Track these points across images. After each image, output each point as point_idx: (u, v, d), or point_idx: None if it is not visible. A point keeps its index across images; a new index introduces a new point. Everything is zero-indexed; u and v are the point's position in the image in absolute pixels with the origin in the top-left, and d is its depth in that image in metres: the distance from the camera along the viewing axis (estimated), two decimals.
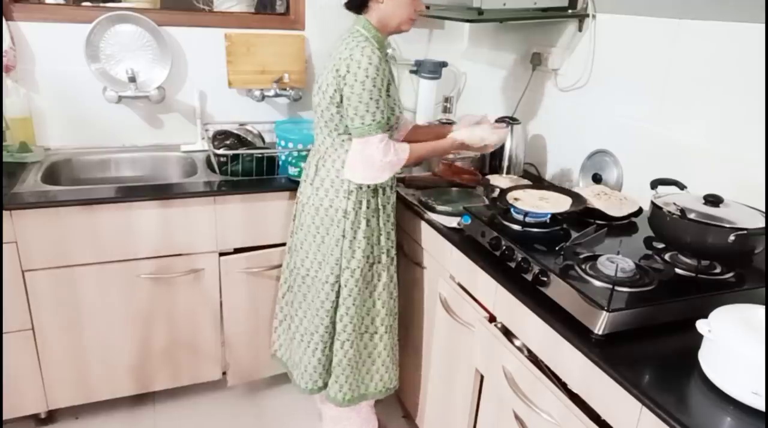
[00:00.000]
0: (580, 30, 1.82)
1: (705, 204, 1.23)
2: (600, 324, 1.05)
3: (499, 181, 1.76)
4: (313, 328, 1.66)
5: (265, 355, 2.06)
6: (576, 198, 1.50)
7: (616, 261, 1.18)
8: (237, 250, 1.91)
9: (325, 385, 1.70)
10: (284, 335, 1.83)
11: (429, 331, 1.71)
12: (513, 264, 1.31)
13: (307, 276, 1.65)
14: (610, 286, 1.10)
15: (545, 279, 1.20)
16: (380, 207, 1.60)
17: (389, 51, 2.36)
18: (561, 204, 1.46)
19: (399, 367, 1.77)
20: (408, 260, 1.80)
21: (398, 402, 2.08)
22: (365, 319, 1.65)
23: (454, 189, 1.83)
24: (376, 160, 1.47)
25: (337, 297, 1.61)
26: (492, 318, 1.38)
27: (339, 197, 1.55)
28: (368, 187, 1.55)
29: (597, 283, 1.14)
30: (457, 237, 1.51)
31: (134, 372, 1.93)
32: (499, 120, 1.92)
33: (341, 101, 1.45)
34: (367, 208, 1.57)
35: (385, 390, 1.74)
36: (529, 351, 1.25)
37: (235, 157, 1.87)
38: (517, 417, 1.24)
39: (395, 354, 1.73)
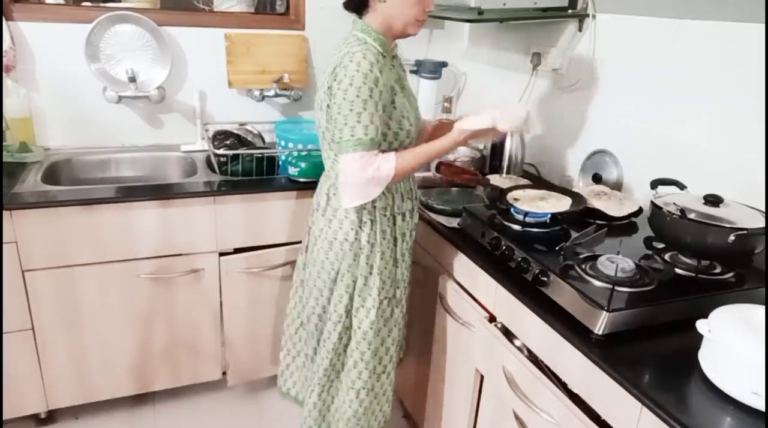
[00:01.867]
0: (580, 30, 1.82)
1: (705, 204, 1.23)
2: (600, 324, 1.05)
3: (499, 181, 1.76)
4: (314, 367, 1.55)
5: (265, 355, 2.07)
6: (576, 198, 1.50)
7: (616, 261, 1.18)
8: (237, 250, 1.91)
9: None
10: (298, 373, 1.72)
11: (429, 331, 1.71)
12: (513, 264, 1.31)
13: (323, 314, 1.51)
14: (610, 286, 1.10)
15: (545, 279, 1.20)
16: (398, 235, 1.44)
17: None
18: (561, 204, 1.46)
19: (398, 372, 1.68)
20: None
21: (398, 402, 2.08)
22: (379, 351, 1.50)
23: (454, 189, 1.83)
24: (356, 177, 1.28)
25: (340, 338, 1.47)
26: (492, 318, 1.38)
27: (353, 229, 1.38)
28: (385, 214, 1.40)
29: (597, 283, 1.14)
30: (457, 237, 1.51)
31: (134, 372, 1.93)
32: None
33: None
34: (383, 238, 1.41)
35: (385, 423, 1.63)
36: (529, 351, 1.25)
37: (235, 157, 1.87)
38: (517, 417, 1.24)
39: (392, 387, 1.59)
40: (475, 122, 1.34)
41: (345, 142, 1.25)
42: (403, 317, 1.55)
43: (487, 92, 2.36)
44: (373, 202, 1.37)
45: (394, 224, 1.43)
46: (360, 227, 1.38)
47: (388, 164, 1.29)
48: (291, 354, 1.72)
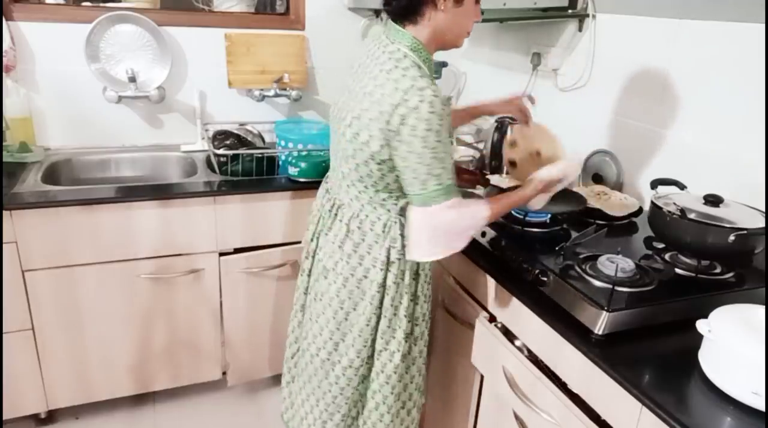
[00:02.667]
0: (580, 30, 1.82)
1: (705, 204, 1.23)
2: (600, 324, 1.05)
3: (499, 181, 1.76)
4: (326, 416, 1.40)
5: (265, 355, 2.07)
6: (576, 198, 1.50)
7: (616, 261, 1.18)
8: (237, 250, 1.91)
9: None
10: (290, 398, 1.60)
11: (429, 331, 1.70)
12: (513, 264, 1.31)
13: (316, 357, 1.37)
14: (610, 286, 1.10)
15: (545, 279, 1.20)
16: (420, 271, 1.33)
17: None
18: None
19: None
20: None
21: None
22: (402, 396, 1.39)
23: None
24: (449, 229, 1.15)
25: (361, 381, 1.36)
26: (492, 318, 1.38)
27: (377, 267, 1.25)
28: (401, 254, 1.26)
29: (597, 283, 1.14)
30: None
31: (134, 372, 1.93)
32: (500, 120, 1.92)
33: (389, 158, 1.14)
34: (410, 278, 1.29)
35: None
36: (529, 351, 1.25)
37: (235, 157, 1.87)
38: (517, 417, 1.24)
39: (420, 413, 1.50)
40: (554, 172, 1.27)
41: (431, 192, 1.11)
42: (421, 355, 1.42)
43: (487, 92, 2.36)
44: (403, 238, 1.25)
45: (417, 263, 1.31)
46: (388, 267, 1.26)
47: (481, 214, 1.17)
48: (286, 379, 1.59)
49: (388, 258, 1.25)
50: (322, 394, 1.40)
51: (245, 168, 1.90)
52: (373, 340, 1.33)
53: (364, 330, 1.30)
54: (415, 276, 1.32)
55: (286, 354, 1.59)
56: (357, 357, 1.33)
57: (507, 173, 1.85)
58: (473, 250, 1.43)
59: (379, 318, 1.30)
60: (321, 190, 1.43)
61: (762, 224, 1.16)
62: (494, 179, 1.77)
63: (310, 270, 1.42)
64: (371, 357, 1.35)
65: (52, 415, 1.98)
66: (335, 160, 1.30)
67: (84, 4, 2.05)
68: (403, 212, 1.25)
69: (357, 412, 1.43)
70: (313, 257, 1.40)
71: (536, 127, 1.46)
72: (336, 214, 1.31)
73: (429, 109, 1.06)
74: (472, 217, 1.17)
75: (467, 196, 1.29)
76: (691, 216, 1.19)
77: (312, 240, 1.40)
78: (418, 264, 1.31)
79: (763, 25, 1.29)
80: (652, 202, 1.29)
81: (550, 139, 1.44)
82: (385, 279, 1.27)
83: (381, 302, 1.29)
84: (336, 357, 1.35)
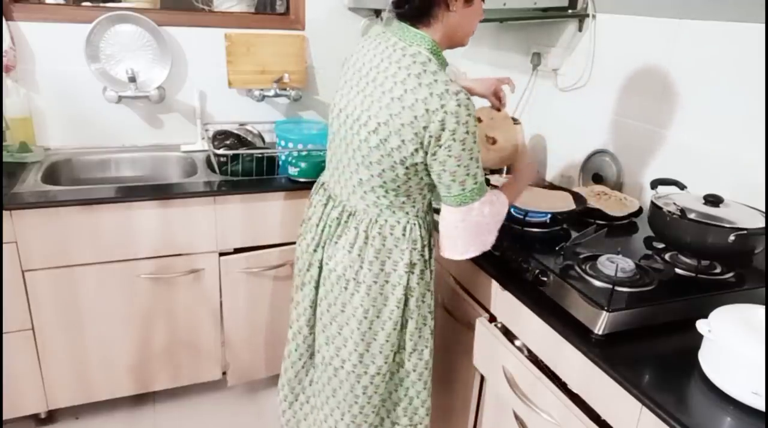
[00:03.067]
0: (580, 30, 1.82)
1: (705, 204, 1.23)
2: (600, 324, 1.05)
3: (499, 181, 1.76)
4: (353, 427, 1.38)
5: (265, 355, 2.07)
6: (576, 197, 1.50)
7: (616, 261, 1.18)
8: (237, 250, 1.91)
9: None
10: (295, 418, 1.57)
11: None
12: (513, 265, 1.31)
13: (341, 369, 1.33)
14: (610, 286, 1.10)
15: (545, 279, 1.20)
16: (432, 268, 1.34)
17: None
18: (561, 204, 1.46)
19: None
20: None
21: None
22: (428, 394, 1.42)
23: None
24: (487, 224, 1.18)
25: (396, 389, 1.38)
26: (492, 318, 1.38)
27: (398, 271, 1.25)
28: (421, 255, 1.28)
29: (597, 283, 1.14)
30: None
31: (134, 372, 1.93)
32: None
33: (422, 162, 1.14)
34: (430, 277, 1.32)
35: None
36: (529, 351, 1.25)
37: (235, 157, 1.87)
38: (517, 417, 1.24)
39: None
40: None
41: (469, 192, 1.14)
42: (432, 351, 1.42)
43: None
44: (422, 238, 1.27)
45: (430, 258, 1.32)
46: (411, 269, 1.26)
47: (503, 205, 1.22)
48: (288, 400, 1.55)
49: (410, 260, 1.25)
50: (348, 407, 1.36)
51: (245, 168, 1.90)
52: (403, 344, 1.33)
53: (392, 335, 1.29)
54: (431, 273, 1.33)
55: (287, 374, 1.52)
56: (385, 363, 1.32)
57: (507, 173, 1.86)
58: None
59: (405, 321, 1.31)
60: (317, 198, 1.39)
61: (762, 224, 1.16)
62: (494, 179, 1.77)
63: (317, 282, 1.37)
64: (402, 362, 1.36)
65: (52, 415, 1.98)
66: (345, 166, 1.25)
67: (84, 4, 2.05)
68: (420, 213, 1.26)
69: (383, 416, 1.43)
70: (319, 267, 1.36)
71: (503, 116, 1.51)
72: (347, 222, 1.28)
73: (466, 113, 1.07)
74: (502, 207, 1.22)
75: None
76: (691, 216, 1.19)
77: (316, 250, 1.35)
78: (430, 261, 1.32)
79: (763, 25, 1.29)
80: (652, 202, 1.29)
81: (511, 130, 1.48)
82: (408, 281, 1.26)
83: (406, 304, 1.29)
84: (361, 369, 1.32)
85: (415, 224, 1.26)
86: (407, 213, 1.25)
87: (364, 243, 1.25)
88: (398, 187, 1.19)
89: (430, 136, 1.08)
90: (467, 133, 1.08)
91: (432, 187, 1.23)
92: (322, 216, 1.34)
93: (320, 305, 1.37)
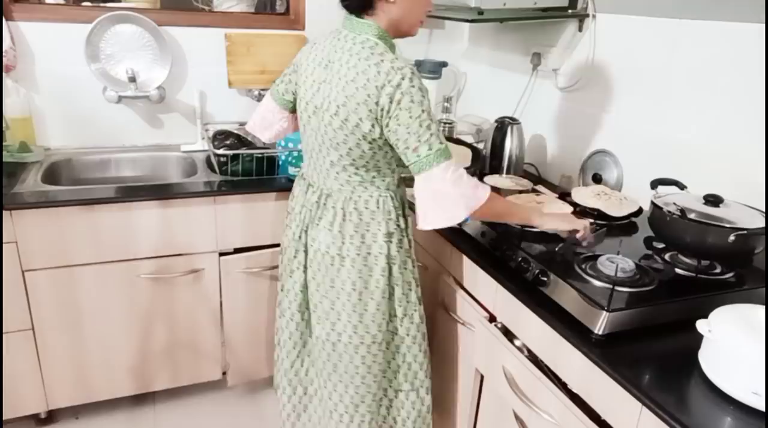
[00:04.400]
0: (580, 30, 1.82)
1: (705, 204, 1.23)
2: (600, 324, 1.06)
3: (499, 181, 1.76)
4: (357, 399, 1.42)
5: (265, 355, 2.06)
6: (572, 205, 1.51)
7: (616, 261, 1.18)
8: (237, 250, 1.91)
9: None
10: (295, 412, 1.59)
11: (429, 331, 1.70)
12: (513, 265, 1.31)
13: (339, 343, 1.39)
14: (610, 286, 1.10)
15: (545, 279, 1.20)
16: (411, 237, 1.41)
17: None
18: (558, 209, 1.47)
19: None
20: None
21: None
22: (425, 358, 1.48)
23: None
24: (447, 192, 1.21)
25: (387, 354, 1.42)
26: (492, 318, 1.38)
27: (378, 242, 1.32)
28: (397, 225, 1.34)
29: (597, 283, 1.14)
30: (458, 238, 1.51)
31: (134, 372, 1.93)
32: (499, 120, 1.93)
33: (380, 137, 1.23)
34: (410, 246, 1.39)
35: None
36: (529, 351, 1.25)
37: (235, 157, 1.87)
38: (517, 417, 1.24)
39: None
40: (561, 226, 1.32)
41: (425, 158, 1.19)
42: (422, 319, 1.48)
43: (487, 92, 2.37)
44: (396, 209, 1.34)
45: (407, 227, 1.40)
46: (390, 239, 1.33)
47: (484, 191, 1.24)
48: (287, 393, 1.57)
49: (387, 230, 1.33)
50: (350, 379, 1.42)
51: (245, 168, 1.90)
52: (393, 310, 1.39)
53: (382, 303, 1.36)
54: (409, 243, 1.40)
55: (283, 365, 1.55)
56: (379, 331, 1.38)
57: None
58: (473, 250, 1.44)
59: (392, 288, 1.37)
60: (298, 189, 1.46)
61: (762, 224, 1.17)
62: (495, 179, 1.78)
63: (304, 267, 1.43)
64: (396, 329, 1.41)
65: (52, 415, 1.97)
66: (317, 152, 1.34)
67: (84, 4, 2.05)
68: (391, 186, 1.35)
69: (386, 386, 1.47)
70: (305, 251, 1.42)
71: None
72: (325, 204, 1.35)
73: (410, 84, 1.17)
74: (471, 187, 1.23)
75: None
76: (691, 216, 1.19)
77: (301, 236, 1.42)
78: (407, 230, 1.39)
79: (763, 25, 1.29)
80: (652, 202, 1.29)
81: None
82: (389, 250, 1.34)
83: (390, 273, 1.35)
84: (357, 340, 1.38)
85: (387, 196, 1.34)
86: (378, 187, 1.33)
87: (343, 220, 1.33)
88: (367, 163, 1.28)
89: (381, 110, 1.19)
90: (412, 101, 1.17)
91: (400, 161, 1.29)
92: (304, 202, 1.41)
93: (310, 287, 1.43)
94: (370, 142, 1.24)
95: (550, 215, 1.36)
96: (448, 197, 1.21)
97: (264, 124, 1.58)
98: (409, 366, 1.45)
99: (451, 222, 1.23)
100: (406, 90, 1.17)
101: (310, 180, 1.40)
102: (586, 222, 1.32)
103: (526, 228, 1.41)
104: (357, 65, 1.21)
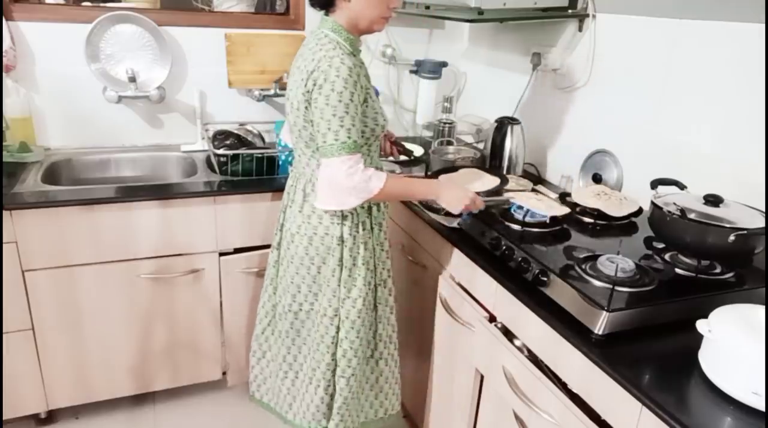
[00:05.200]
0: (580, 30, 1.82)
1: (705, 204, 1.23)
2: (600, 324, 1.05)
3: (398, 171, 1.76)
4: (314, 364, 1.51)
5: None
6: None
7: (616, 261, 1.18)
8: (237, 250, 1.91)
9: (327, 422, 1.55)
10: (263, 373, 1.70)
11: (429, 331, 1.71)
12: (513, 264, 1.31)
13: (300, 312, 1.50)
14: (610, 286, 1.10)
15: (545, 279, 1.20)
16: (374, 225, 1.48)
17: (389, 51, 2.36)
18: (557, 208, 1.47)
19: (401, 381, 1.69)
20: (408, 260, 1.80)
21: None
22: (369, 345, 1.54)
23: None
24: (340, 183, 1.28)
25: (338, 330, 1.47)
26: (492, 318, 1.38)
27: (334, 223, 1.40)
28: (362, 206, 1.40)
29: (597, 283, 1.14)
30: (457, 237, 1.51)
31: (134, 372, 1.93)
32: (499, 120, 1.93)
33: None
34: (364, 229, 1.44)
35: (388, 417, 1.66)
36: (529, 351, 1.25)
37: (235, 157, 1.87)
38: (517, 417, 1.24)
39: (398, 375, 1.64)
40: (452, 206, 1.39)
41: (329, 145, 1.27)
42: (394, 300, 1.57)
43: (487, 92, 2.36)
44: None
45: (371, 215, 1.46)
46: (342, 221, 1.40)
47: (378, 181, 1.31)
48: (256, 356, 1.69)
49: (341, 212, 1.39)
50: (311, 343, 1.52)
51: (245, 168, 1.90)
52: (338, 289, 1.44)
53: (332, 281, 1.43)
54: (371, 228, 1.46)
55: (255, 331, 1.66)
56: (329, 306, 1.45)
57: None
58: (473, 250, 1.43)
59: (342, 268, 1.43)
60: (289, 178, 1.55)
61: (762, 224, 1.16)
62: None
63: (278, 245, 1.55)
64: (338, 308, 1.46)
65: (52, 415, 1.97)
66: (294, 140, 1.45)
67: (84, 4, 2.06)
68: None
69: (334, 366, 1.51)
70: (281, 230, 1.54)
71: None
72: (296, 186, 1.47)
73: (335, 73, 1.24)
74: (364, 180, 1.30)
75: (379, 169, 1.41)
76: (691, 216, 1.19)
77: (279, 217, 1.54)
78: (371, 218, 1.46)
79: (763, 25, 1.29)
80: (652, 202, 1.29)
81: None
82: (341, 232, 1.41)
83: (342, 253, 1.42)
84: (317, 306, 1.49)
85: None
86: None
87: (303, 201, 1.43)
88: (317, 145, 1.32)
89: (308, 92, 1.28)
90: (332, 90, 1.24)
91: None
92: (288, 187, 1.53)
93: (281, 264, 1.53)
94: (312, 123, 1.32)
95: (446, 191, 1.40)
96: (341, 187, 1.29)
97: (288, 129, 1.63)
98: (344, 353, 1.48)
99: (343, 207, 1.33)
100: (328, 77, 1.24)
101: (294, 166, 1.51)
102: (473, 195, 1.39)
103: (527, 228, 1.41)
104: (304, 54, 1.33)
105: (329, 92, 1.24)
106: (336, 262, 1.42)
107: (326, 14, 1.36)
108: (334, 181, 1.30)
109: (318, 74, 1.25)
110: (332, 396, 1.53)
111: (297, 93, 1.32)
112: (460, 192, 1.40)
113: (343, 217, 1.40)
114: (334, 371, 1.51)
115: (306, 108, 1.31)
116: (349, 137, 1.27)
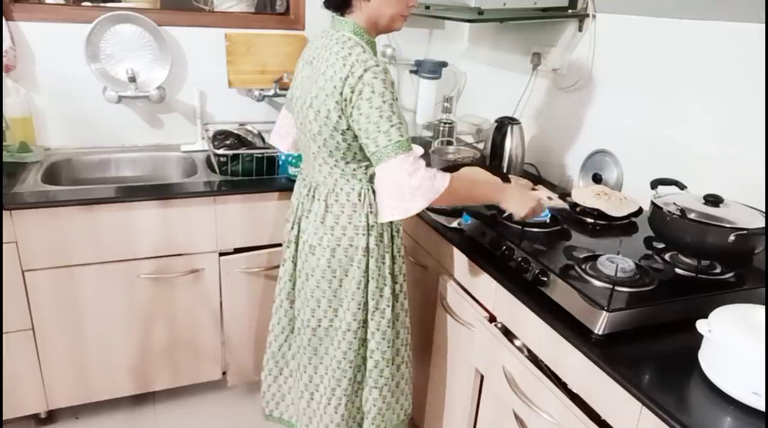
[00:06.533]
0: (580, 30, 1.82)
1: (705, 204, 1.23)
2: (600, 324, 1.06)
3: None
4: (334, 383, 1.46)
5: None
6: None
7: (616, 261, 1.18)
8: (237, 250, 1.91)
9: None
10: (281, 390, 1.65)
11: (429, 331, 1.71)
12: (513, 264, 1.31)
13: (319, 328, 1.45)
14: (610, 286, 1.10)
15: (545, 279, 1.20)
16: (395, 233, 1.43)
17: (389, 51, 2.37)
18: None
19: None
20: (409, 260, 1.80)
21: None
22: (393, 351, 1.49)
23: None
24: (404, 184, 1.21)
25: (362, 344, 1.44)
26: (492, 318, 1.38)
27: (359, 234, 1.35)
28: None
29: (597, 283, 1.14)
30: (457, 237, 1.51)
31: (134, 372, 1.93)
32: (499, 120, 1.93)
33: (348, 127, 1.26)
34: (386, 238, 1.40)
35: (405, 419, 1.61)
36: (529, 351, 1.25)
37: (235, 157, 1.87)
38: (517, 417, 1.24)
39: (410, 377, 1.60)
40: (519, 211, 1.35)
41: (383, 148, 1.21)
42: (403, 308, 1.52)
43: (487, 92, 2.36)
44: (377, 203, 1.32)
45: (391, 222, 1.41)
46: (368, 231, 1.36)
47: (443, 180, 1.24)
48: (273, 374, 1.63)
49: (367, 223, 1.35)
50: (329, 362, 1.47)
51: (245, 168, 1.90)
52: (366, 302, 1.41)
53: (356, 294, 1.39)
54: (392, 236, 1.42)
55: (270, 349, 1.61)
56: (354, 320, 1.40)
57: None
58: (473, 250, 1.43)
59: (368, 280, 1.39)
60: (297, 183, 1.51)
61: (762, 224, 1.16)
62: None
63: (294, 257, 1.49)
64: (365, 320, 1.43)
65: (52, 415, 1.97)
66: (306, 147, 1.39)
67: (84, 4, 2.06)
68: (372, 179, 1.34)
69: (361, 375, 1.48)
70: (296, 243, 1.47)
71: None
72: (314, 196, 1.40)
73: (372, 76, 1.21)
74: (428, 178, 1.23)
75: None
76: (691, 216, 1.19)
77: (292, 228, 1.47)
78: (392, 224, 1.42)
79: (763, 25, 1.29)
80: (652, 202, 1.29)
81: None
82: (367, 243, 1.36)
83: (367, 265, 1.38)
84: (337, 323, 1.43)
85: (368, 189, 1.36)
86: (360, 180, 1.35)
87: (326, 212, 1.37)
88: (343, 154, 1.31)
89: (345, 100, 1.23)
90: (373, 92, 1.20)
91: None
92: (299, 196, 1.46)
93: (299, 277, 1.47)
94: (342, 133, 1.27)
95: (512, 195, 1.37)
96: (405, 189, 1.21)
97: (281, 133, 1.62)
98: (376, 364, 1.46)
99: (409, 213, 1.23)
100: (367, 81, 1.20)
101: (305, 174, 1.46)
102: (543, 195, 1.35)
103: (527, 228, 1.41)
104: (329, 59, 1.27)
105: (370, 95, 1.20)
106: (361, 274, 1.37)
107: (341, 15, 1.32)
108: (397, 184, 1.21)
109: (354, 80, 1.21)
110: (357, 409, 1.50)
111: (328, 101, 1.25)
112: (525, 197, 1.36)
113: (369, 227, 1.36)
114: (358, 387, 1.48)
115: (339, 117, 1.25)
116: (401, 135, 1.22)
